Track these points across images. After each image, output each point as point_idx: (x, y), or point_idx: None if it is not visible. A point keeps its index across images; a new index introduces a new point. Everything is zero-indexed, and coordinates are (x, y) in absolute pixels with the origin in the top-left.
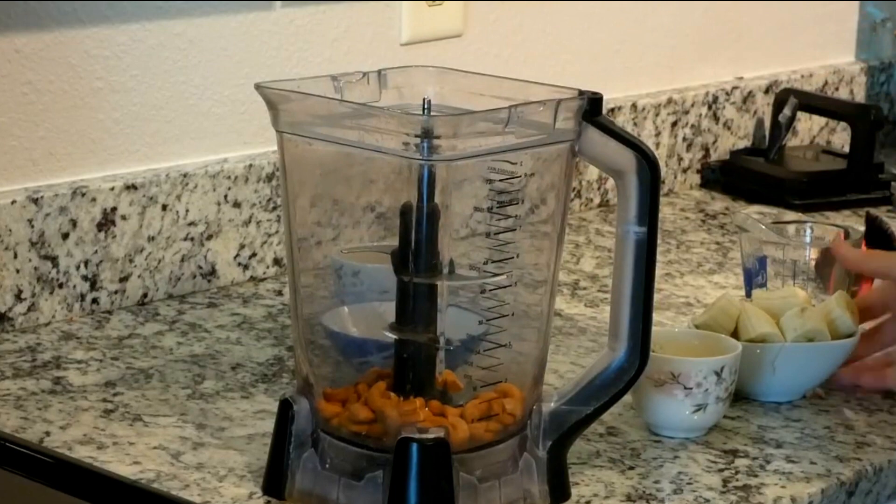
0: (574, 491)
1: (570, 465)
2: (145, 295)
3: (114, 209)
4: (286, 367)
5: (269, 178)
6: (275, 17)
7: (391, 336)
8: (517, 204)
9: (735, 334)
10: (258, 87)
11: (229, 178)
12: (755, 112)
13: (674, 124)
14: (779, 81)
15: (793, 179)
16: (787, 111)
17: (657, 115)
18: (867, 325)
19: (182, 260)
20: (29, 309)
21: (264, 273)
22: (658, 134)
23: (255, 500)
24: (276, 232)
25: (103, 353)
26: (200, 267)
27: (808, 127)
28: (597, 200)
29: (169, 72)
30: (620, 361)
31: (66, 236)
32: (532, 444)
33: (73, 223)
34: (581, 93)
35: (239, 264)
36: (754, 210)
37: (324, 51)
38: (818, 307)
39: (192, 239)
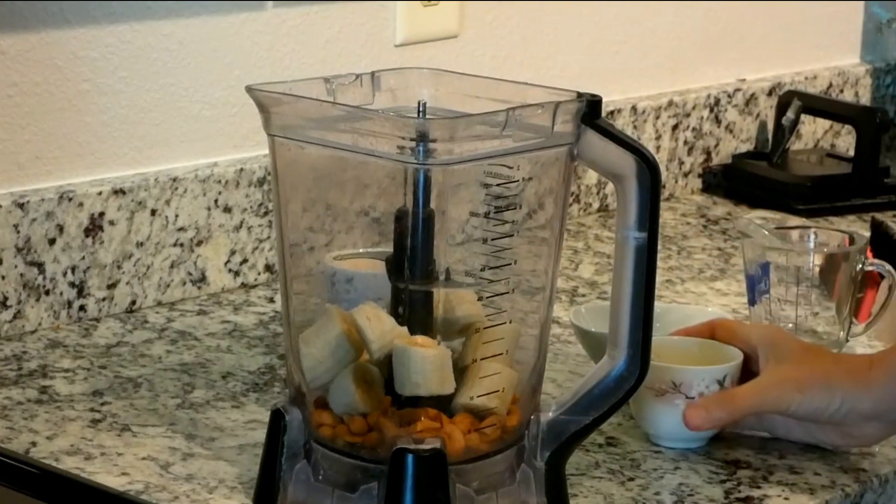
0: (573, 503)
1: (568, 476)
2: (134, 302)
3: (101, 214)
4: (278, 375)
5: (261, 182)
6: (266, 17)
7: None
8: (514, 209)
9: None
10: (249, 89)
11: (220, 182)
12: (758, 115)
13: (675, 127)
14: (782, 83)
15: (796, 184)
16: (790, 114)
17: (657, 117)
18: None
19: (171, 266)
20: (14, 316)
21: (255, 280)
22: (658, 137)
23: None
24: (268, 237)
25: (91, 362)
26: (190, 273)
27: (812, 130)
28: (596, 205)
29: (158, 73)
30: (620, 370)
31: (52, 242)
32: (530, 454)
33: (60, 228)
34: (580, 95)
35: (230, 271)
36: (757, 215)
37: (316, 52)
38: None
39: (181, 245)
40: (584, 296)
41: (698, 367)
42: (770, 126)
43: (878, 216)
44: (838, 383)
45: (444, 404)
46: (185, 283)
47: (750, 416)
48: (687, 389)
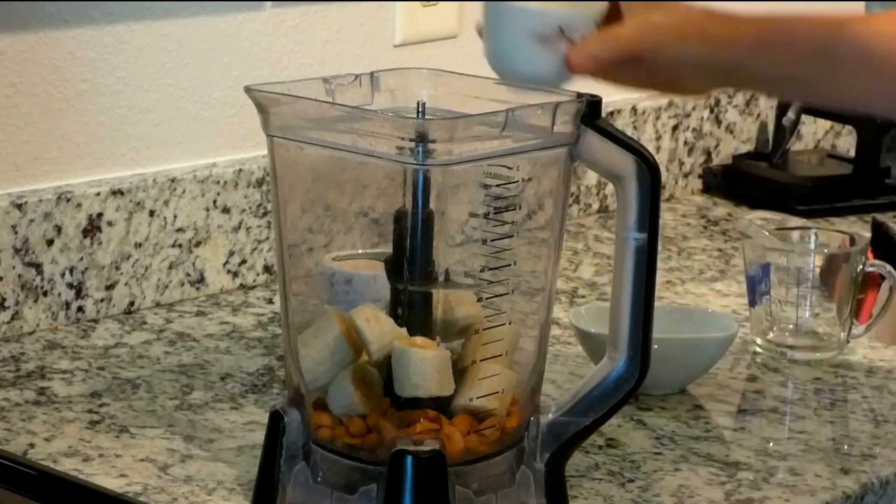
0: None
1: (568, 477)
2: (132, 303)
3: (100, 215)
4: (276, 377)
5: (260, 182)
6: (265, 17)
7: None
8: (514, 210)
9: None
10: (248, 89)
11: (218, 182)
12: (758, 115)
13: (675, 128)
14: None
15: (797, 184)
16: (790, 114)
17: (658, 118)
18: None
19: (170, 267)
20: (13, 317)
21: (254, 281)
22: (659, 138)
23: None
24: (267, 238)
25: (89, 363)
26: (189, 274)
27: (813, 130)
28: (596, 206)
29: (156, 74)
30: (620, 371)
31: (50, 243)
32: (529, 456)
33: (58, 229)
34: (580, 95)
35: (228, 272)
36: (757, 216)
37: (315, 52)
38: None
39: (180, 246)
40: (583, 297)
41: (583, 12)
42: (770, 127)
43: (879, 217)
44: (712, 33)
45: (443, 406)
46: (183, 284)
47: (626, 60)
48: (571, 33)
